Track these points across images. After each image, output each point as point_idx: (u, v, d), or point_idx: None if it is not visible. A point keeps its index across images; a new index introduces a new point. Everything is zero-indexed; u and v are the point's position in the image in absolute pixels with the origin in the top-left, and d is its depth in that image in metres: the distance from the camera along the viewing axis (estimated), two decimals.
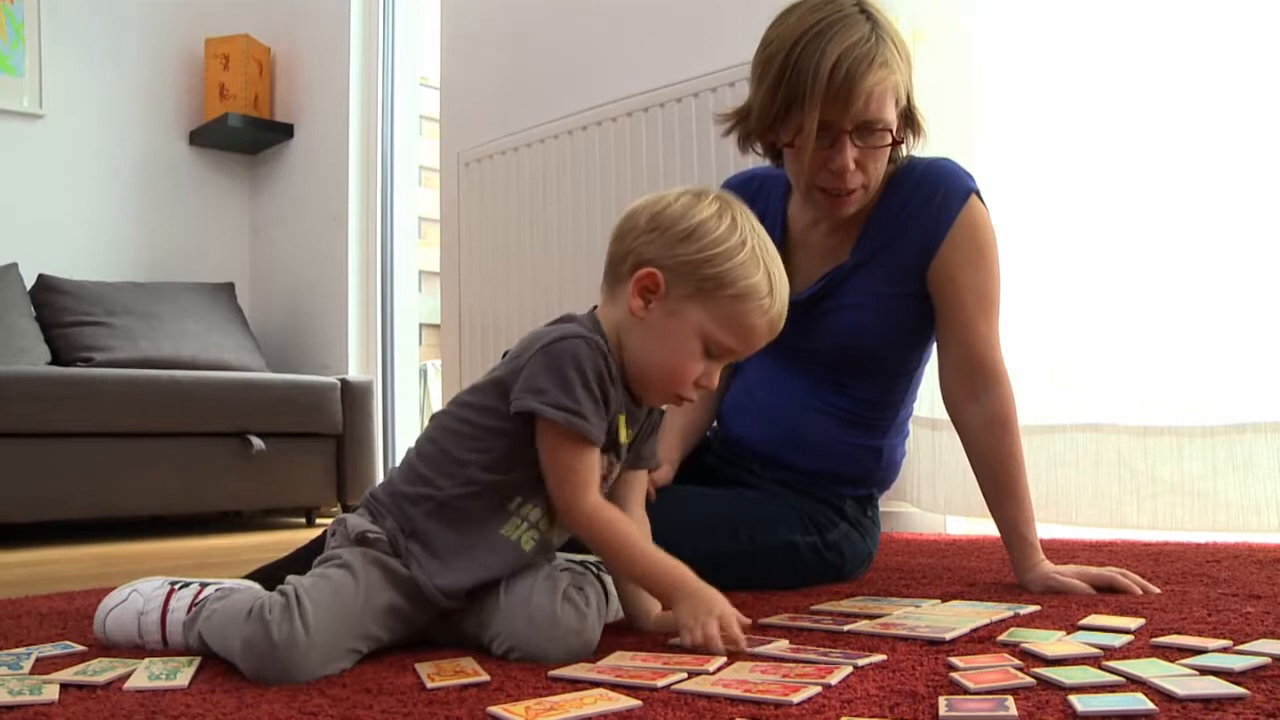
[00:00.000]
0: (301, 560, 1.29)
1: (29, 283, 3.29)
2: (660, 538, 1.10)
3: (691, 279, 1.03)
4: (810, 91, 1.28)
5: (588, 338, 1.01)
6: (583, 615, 0.99)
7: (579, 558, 1.17)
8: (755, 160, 1.51)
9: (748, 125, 1.41)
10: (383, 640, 0.99)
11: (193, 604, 1.06)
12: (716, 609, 0.98)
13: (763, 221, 1.11)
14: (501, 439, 1.03)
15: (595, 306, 1.11)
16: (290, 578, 0.97)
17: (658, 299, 1.04)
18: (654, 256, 1.04)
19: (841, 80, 1.27)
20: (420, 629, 1.04)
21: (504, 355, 1.10)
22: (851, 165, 1.33)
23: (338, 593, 0.95)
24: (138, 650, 1.06)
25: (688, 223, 1.03)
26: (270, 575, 1.27)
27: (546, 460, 1.02)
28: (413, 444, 1.12)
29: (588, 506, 1.02)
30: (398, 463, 1.14)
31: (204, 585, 1.09)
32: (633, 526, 1.05)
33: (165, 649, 1.06)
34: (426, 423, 1.12)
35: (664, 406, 1.14)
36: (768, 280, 1.04)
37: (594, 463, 1.02)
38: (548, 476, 1.02)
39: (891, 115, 1.33)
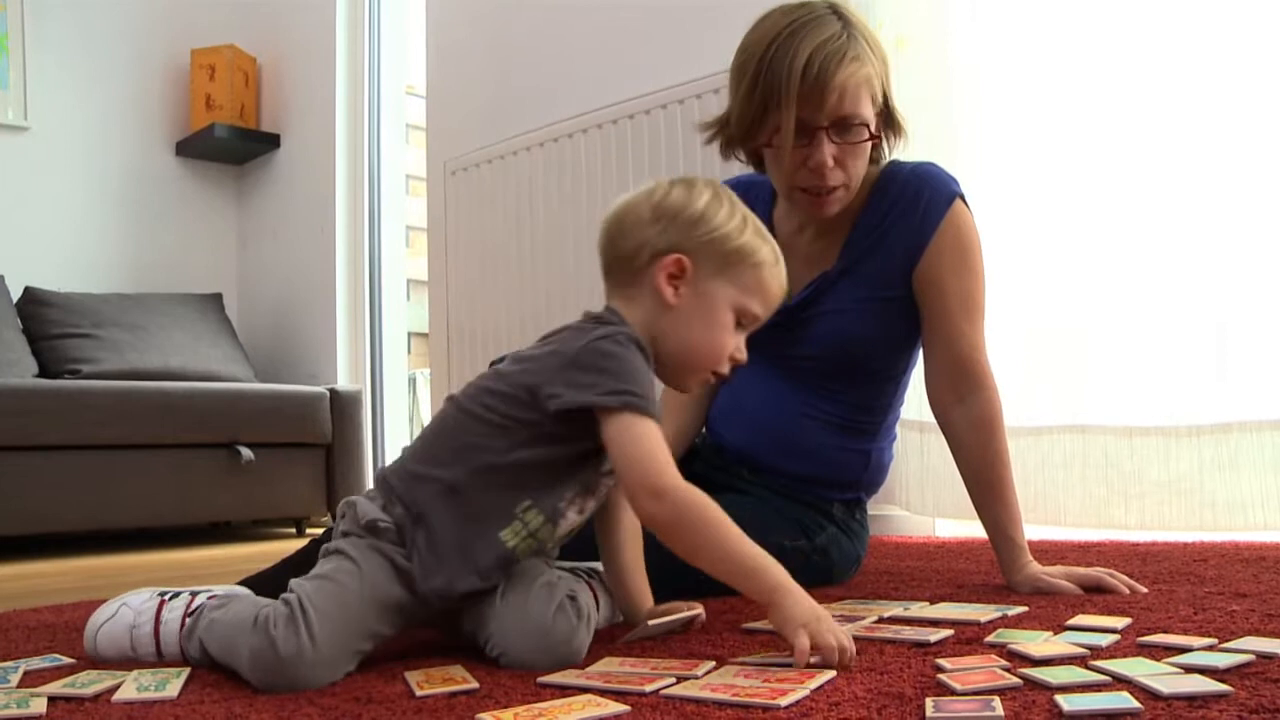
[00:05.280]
0: (291, 570, 1.29)
1: (15, 295, 3.28)
2: (649, 544, 1.10)
3: (715, 257, 1.06)
4: (785, 90, 1.29)
5: (628, 331, 1.03)
6: (574, 626, 0.99)
7: (570, 565, 1.17)
8: (739, 168, 1.52)
9: (728, 132, 1.43)
10: (387, 635, 0.99)
11: (186, 614, 1.05)
12: (824, 614, 0.93)
13: None
14: (523, 433, 1.01)
15: (607, 307, 1.09)
16: (293, 582, 0.97)
17: (685, 283, 1.06)
18: (674, 242, 1.06)
19: (814, 76, 1.29)
20: (423, 621, 1.04)
21: (496, 361, 1.09)
22: (830, 162, 1.34)
23: (341, 597, 0.95)
24: (129, 663, 1.05)
25: (695, 207, 1.06)
26: (261, 584, 1.26)
27: (617, 452, 0.97)
28: (426, 424, 1.10)
29: (678, 484, 0.96)
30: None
31: (194, 594, 1.08)
32: (721, 511, 0.98)
33: (161, 661, 1.05)
34: (442, 405, 1.10)
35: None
36: (772, 250, 1.10)
37: (662, 439, 0.99)
38: (622, 470, 0.98)
39: (868, 111, 1.34)
